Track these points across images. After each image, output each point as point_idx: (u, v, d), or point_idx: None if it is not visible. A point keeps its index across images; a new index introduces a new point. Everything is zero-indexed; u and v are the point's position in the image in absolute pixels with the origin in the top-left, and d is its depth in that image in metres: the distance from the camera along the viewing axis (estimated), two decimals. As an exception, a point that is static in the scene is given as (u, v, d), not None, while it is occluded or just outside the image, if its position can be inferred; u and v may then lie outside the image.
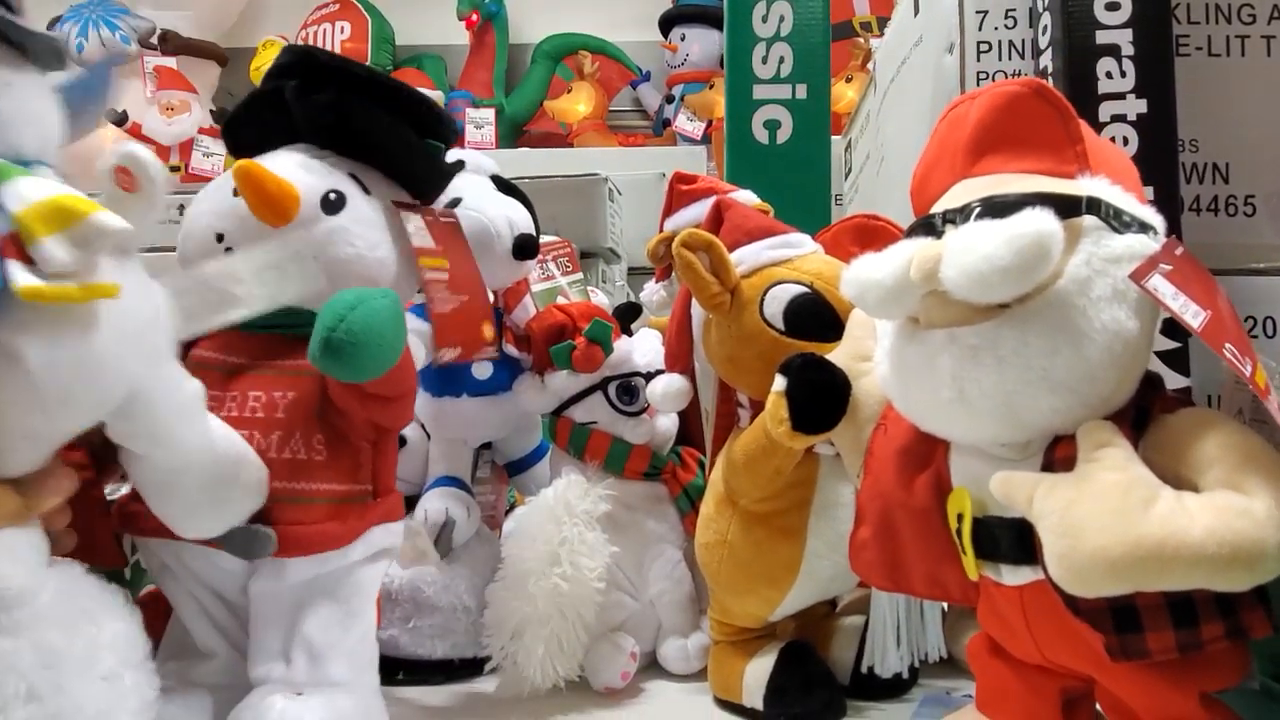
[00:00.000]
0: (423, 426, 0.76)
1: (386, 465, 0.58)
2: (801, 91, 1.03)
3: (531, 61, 2.93)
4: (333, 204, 0.55)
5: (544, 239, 0.80)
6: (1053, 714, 0.45)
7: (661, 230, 0.84)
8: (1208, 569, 0.34)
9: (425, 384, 0.72)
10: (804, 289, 0.61)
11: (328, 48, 2.91)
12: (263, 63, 2.93)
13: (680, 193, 0.84)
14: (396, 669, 0.69)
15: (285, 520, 0.52)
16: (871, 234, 0.72)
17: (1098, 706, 0.46)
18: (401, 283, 0.58)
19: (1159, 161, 0.91)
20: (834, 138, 1.52)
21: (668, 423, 0.73)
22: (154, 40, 2.62)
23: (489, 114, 2.81)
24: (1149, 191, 0.90)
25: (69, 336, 0.42)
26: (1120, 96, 0.93)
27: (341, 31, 2.92)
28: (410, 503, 0.73)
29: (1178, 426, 0.39)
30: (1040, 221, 0.37)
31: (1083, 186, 0.42)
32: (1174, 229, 0.90)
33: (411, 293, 0.59)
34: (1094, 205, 0.41)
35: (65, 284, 0.41)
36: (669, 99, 2.77)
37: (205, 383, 0.53)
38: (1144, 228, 0.42)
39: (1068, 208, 0.40)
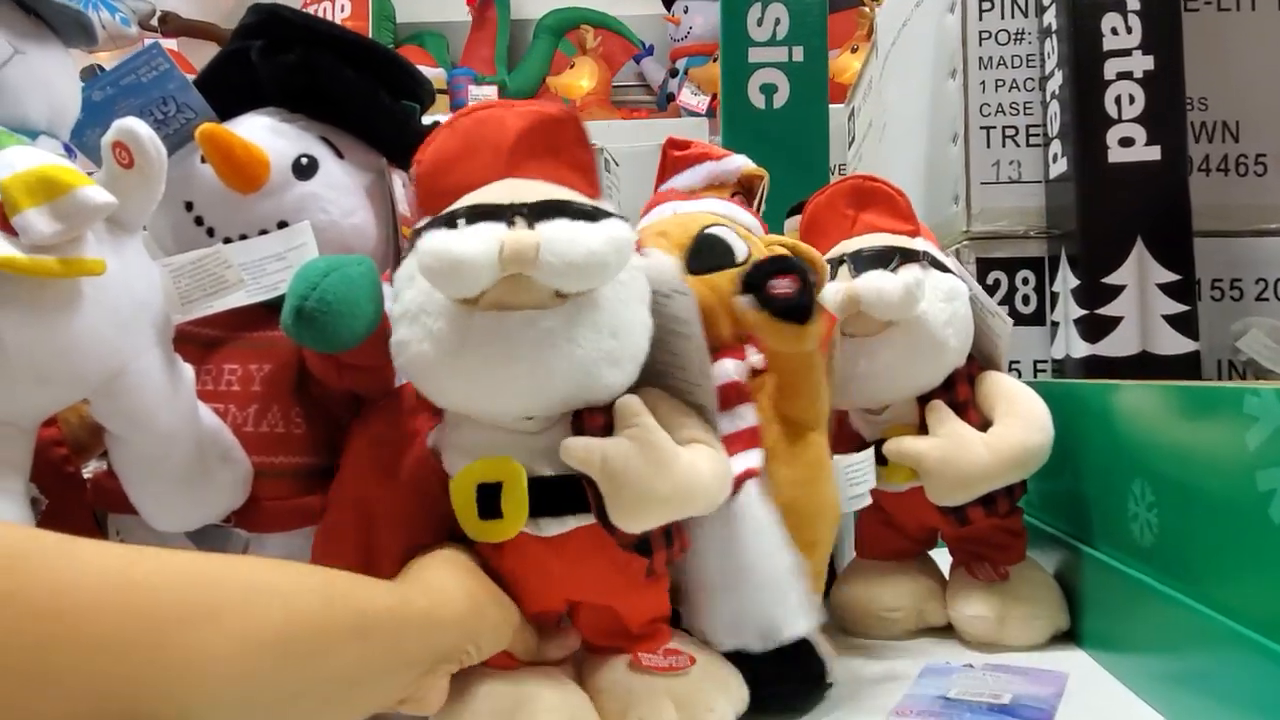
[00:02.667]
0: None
1: (368, 438, 0.57)
2: (798, 54, 1.00)
3: (534, 37, 2.90)
4: (304, 169, 0.54)
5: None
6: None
7: (656, 192, 0.83)
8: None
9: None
10: None
11: (328, 27, 2.88)
12: (263, 43, 2.90)
13: (673, 159, 0.82)
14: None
15: (264, 495, 0.51)
16: (868, 195, 0.71)
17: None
18: (379, 250, 0.56)
19: (1167, 120, 0.89)
20: (837, 106, 1.50)
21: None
22: (154, 22, 2.60)
23: (492, 91, 2.78)
24: (1157, 150, 0.89)
25: (47, 312, 0.42)
26: (1127, 53, 0.91)
27: (342, 10, 2.89)
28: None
29: (648, 400, 0.48)
30: (628, 233, 0.45)
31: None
32: (1182, 189, 0.88)
33: (389, 261, 0.58)
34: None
35: (45, 258, 0.40)
36: (673, 73, 2.73)
37: (184, 356, 0.52)
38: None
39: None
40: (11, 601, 0.28)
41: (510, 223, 0.44)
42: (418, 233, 0.46)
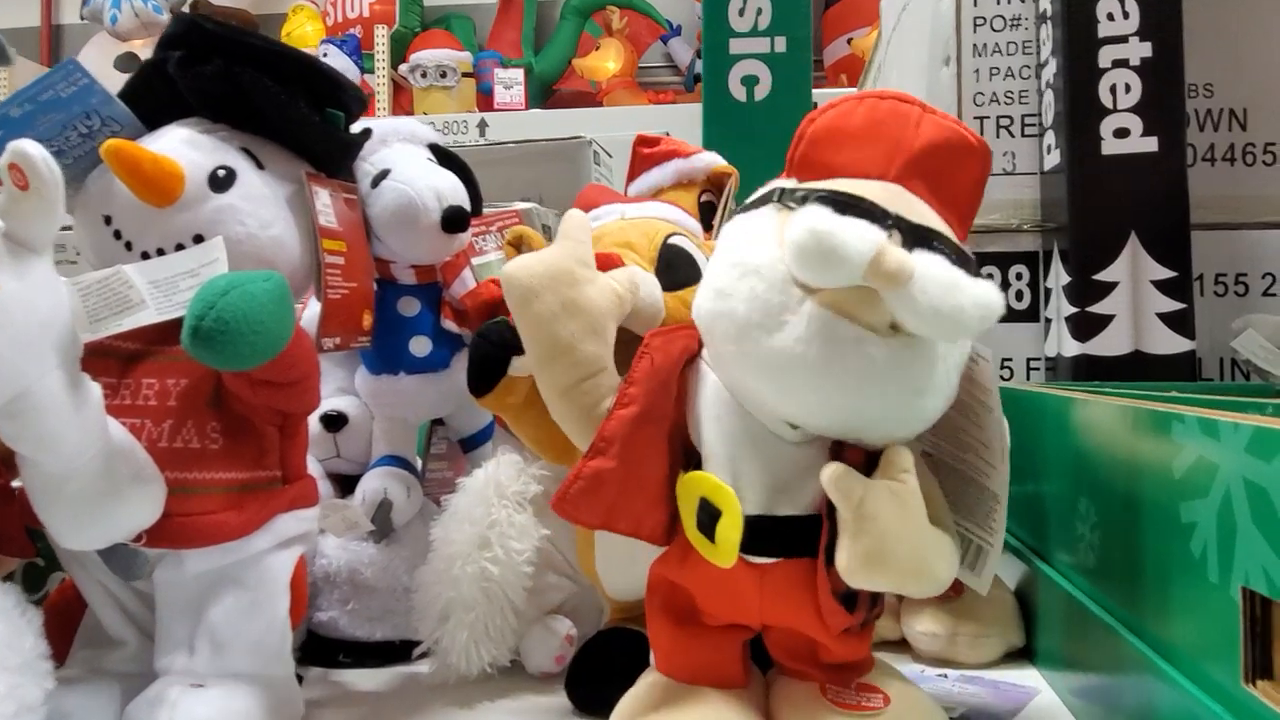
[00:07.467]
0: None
1: (296, 450, 0.57)
2: (780, 44, 0.97)
3: (560, 19, 2.88)
4: (221, 181, 0.53)
5: (493, 208, 0.77)
6: (735, 663, 0.50)
7: (625, 194, 0.81)
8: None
9: (364, 361, 0.71)
10: None
11: (356, 12, 2.90)
12: (294, 29, 2.93)
13: (642, 156, 0.81)
14: (338, 651, 0.68)
15: (177, 511, 0.51)
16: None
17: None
18: (301, 261, 0.56)
19: (1164, 110, 0.85)
20: (847, 91, 1.46)
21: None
22: (185, 9, 2.64)
23: (518, 74, 2.78)
24: (1154, 142, 0.85)
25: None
26: (1123, 40, 0.87)
27: (368, -7, 2.89)
28: (354, 482, 0.72)
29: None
30: (1001, 304, 0.40)
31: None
32: (1180, 182, 0.84)
33: (312, 272, 0.57)
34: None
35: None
36: (700, 53, 2.70)
37: (103, 370, 0.52)
38: None
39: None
40: None
41: (889, 232, 0.40)
42: (789, 194, 0.43)
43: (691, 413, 0.47)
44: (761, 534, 0.45)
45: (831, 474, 0.41)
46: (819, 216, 0.39)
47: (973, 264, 0.42)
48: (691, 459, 0.48)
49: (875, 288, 0.38)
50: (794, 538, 0.44)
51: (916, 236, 0.40)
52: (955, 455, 0.50)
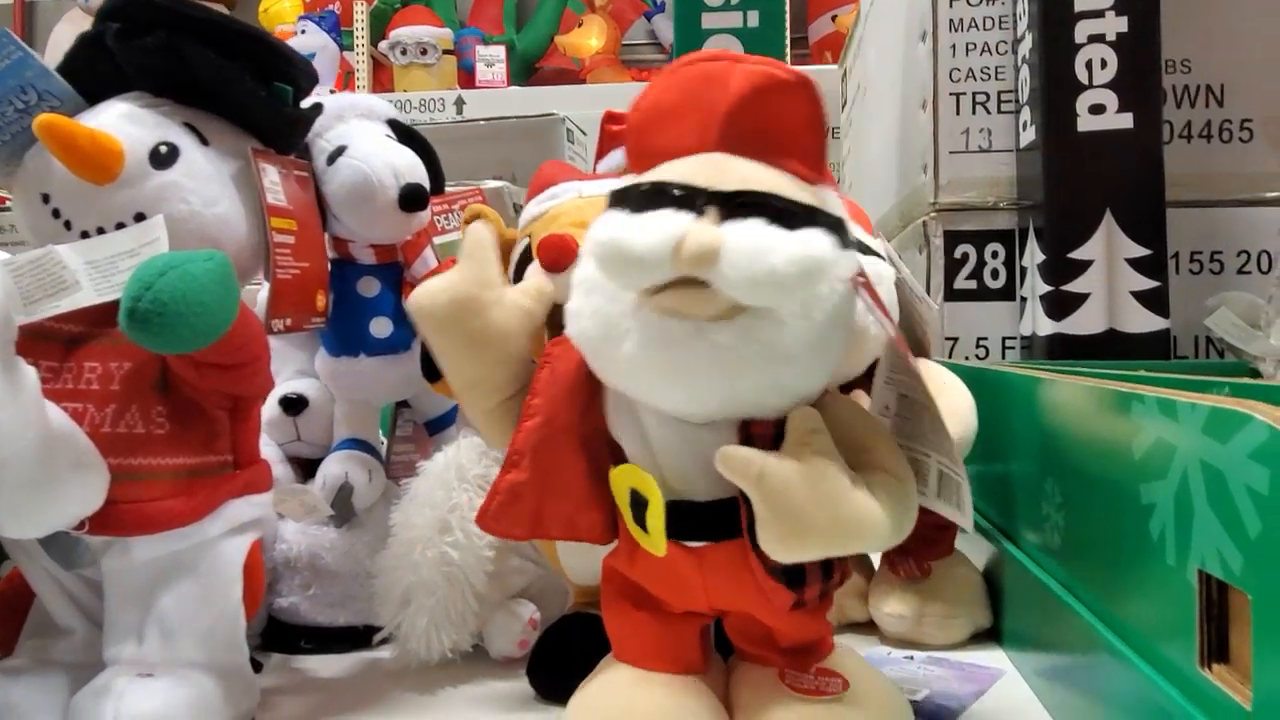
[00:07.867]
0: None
1: (247, 434, 0.55)
2: (753, 19, 0.95)
3: (541, -5, 2.85)
4: (163, 158, 0.51)
5: (456, 187, 0.76)
6: (693, 649, 0.49)
7: (594, 172, 0.80)
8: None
9: (323, 343, 0.69)
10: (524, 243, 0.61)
11: (335, -12, 2.85)
12: (270, 5, 2.89)
13: (610, 133, 0.79)
14: (299, 637, 0.67)
15: (122, 498, 0.49)
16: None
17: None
18: (248, 240, 0.54)
19: (1140, 86, 0.84)
20: (830, 68, 1.45)
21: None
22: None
23: (499, 51, 2.75)
24: (1129, 118, 0.84)
25: None
26: (1099, 14, 0.85)
27: (347, -30, 2.85)
28: (316, 465, 0.71)
29: (833, 412, 0.44)
30: (826, 247, 0.39)
31: (827, 201, 0.42)
32: (1155, 160, 0.83)
33: (260, 251, 0.56)
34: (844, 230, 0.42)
35: None
36: (682, 30, 2.68)
37: (45, 353, 0.51)
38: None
39: (840, 233, 0.41)
40: None
41: (700, 212, 0.39)
42: (611, 196, 0.42)
43: (607, 408, 0.47)
44: (685, 518, 0.44)
45: (722, 457, 0.40)
46: (608, 225, 0.39)
47: (816, 209, 0.40)
48: (621, 454, 0.47)
49: (693, 274, 0.38)
50: (720, 520, 0.43)
51: (732, 206, 0.39)
52: (915, 388, 0.48)
